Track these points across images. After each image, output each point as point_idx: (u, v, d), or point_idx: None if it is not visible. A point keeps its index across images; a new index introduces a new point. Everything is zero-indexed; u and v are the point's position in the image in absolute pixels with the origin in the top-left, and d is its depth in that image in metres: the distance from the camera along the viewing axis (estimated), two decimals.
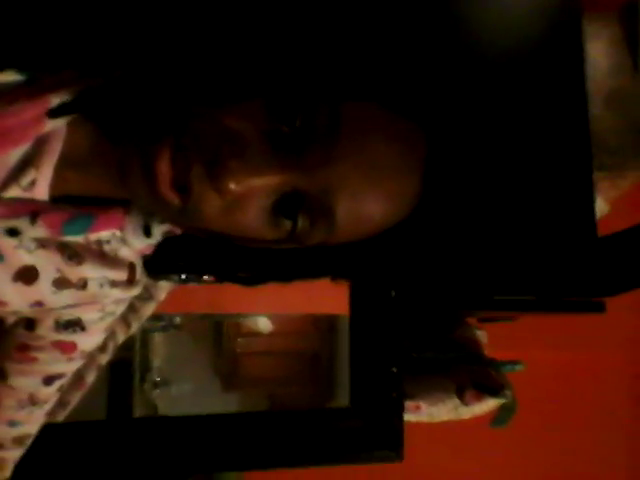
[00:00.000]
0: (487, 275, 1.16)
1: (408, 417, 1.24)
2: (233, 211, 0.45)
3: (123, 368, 1.88)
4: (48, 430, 0.88)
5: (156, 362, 2.05)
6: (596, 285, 1.06)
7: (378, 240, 0.52)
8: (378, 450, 1.06)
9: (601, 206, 1.20)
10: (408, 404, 1.25)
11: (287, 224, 0.46)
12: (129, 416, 1.84)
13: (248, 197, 0.45)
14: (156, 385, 2.01)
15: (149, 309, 0.78)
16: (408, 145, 0.47)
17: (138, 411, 1.90)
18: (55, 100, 0.49)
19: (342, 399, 1.60)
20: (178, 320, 1.95)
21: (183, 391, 2.03)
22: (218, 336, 2.06)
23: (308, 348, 2.01)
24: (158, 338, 2.05)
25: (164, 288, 0.77)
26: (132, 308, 0.75)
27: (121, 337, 0.76)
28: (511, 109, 1.17)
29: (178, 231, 0.56)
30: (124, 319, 0.76)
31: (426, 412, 1.29)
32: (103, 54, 0.52)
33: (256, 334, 2.02)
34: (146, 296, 0.76)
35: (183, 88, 0.46)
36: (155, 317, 1.86)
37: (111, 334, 0.73)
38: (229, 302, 1.21)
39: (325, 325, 1.99)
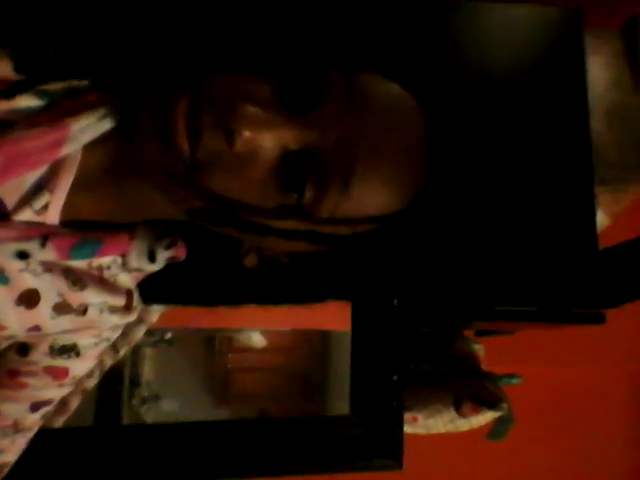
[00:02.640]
0: (488, 285, 1.17)
1: (405, 429, 1.23)
2: (241, 165, 0.45)
3: (112, 383, 1.85)
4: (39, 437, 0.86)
5: (146, 377, 2.03)
6: (596, 297, 1.07)
7: (378, 251, 0.52)
8: (378, 458, 1.05)
9: (602, 219, 1.22)
10: (405, 416, 1.24)
11: (293, 186, 0.45)
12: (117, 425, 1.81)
13: (257, 151, 0.44)
14: (145, 400, 1.98)
15: (139, 333, 0.78)
16: (416, 119, 0.48)
17: None
18: (75, 125, 0.49)
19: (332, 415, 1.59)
20: (169, 335, 1.92)
21: (172, 407, 2.00)
22: (210, 351, 2.04)
23: (300, 364, 2.00)
24: (149, 353, 2.03)
25: (156, 311, 0.76)
26: (122, 333, 0.74)
27: (109, 362, 0.76)
28: (511, 124, 1.19)
29: (182, 256, 0.55)
30: (113, 344, 0.74)
31: (423, 424, 1.29)
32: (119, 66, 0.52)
33: (248, 349, 2.00)
34: (137, 320, 0.76)
35: (198, 55, 0.48)
36: (146, 332, 1.84)
37: (99, 362, 0.73)
38: (221, 316, 1.20)
39: (318, 341, 1.98)
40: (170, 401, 2.03)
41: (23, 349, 0.57)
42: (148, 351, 2.07)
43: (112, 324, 0.57)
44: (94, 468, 1.03)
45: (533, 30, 1.30)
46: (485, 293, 1.18)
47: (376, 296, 1.12)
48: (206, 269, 0.57)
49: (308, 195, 0.45)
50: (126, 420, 1.87)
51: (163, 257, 0.55)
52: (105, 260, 0.55)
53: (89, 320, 0.55)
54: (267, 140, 0.44)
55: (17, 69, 0.49)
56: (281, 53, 0.48)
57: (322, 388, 1.96)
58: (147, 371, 2.10)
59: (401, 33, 0.99)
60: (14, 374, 0.57)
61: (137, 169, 0.49)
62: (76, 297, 0.54)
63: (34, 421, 0.60)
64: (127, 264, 0.55)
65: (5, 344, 0.57)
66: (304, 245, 0.51)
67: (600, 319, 1.16)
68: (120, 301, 0.56)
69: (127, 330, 0.74)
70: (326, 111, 0.44)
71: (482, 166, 1.21)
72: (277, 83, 0.46)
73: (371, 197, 0.47)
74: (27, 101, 0.49)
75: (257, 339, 1.96)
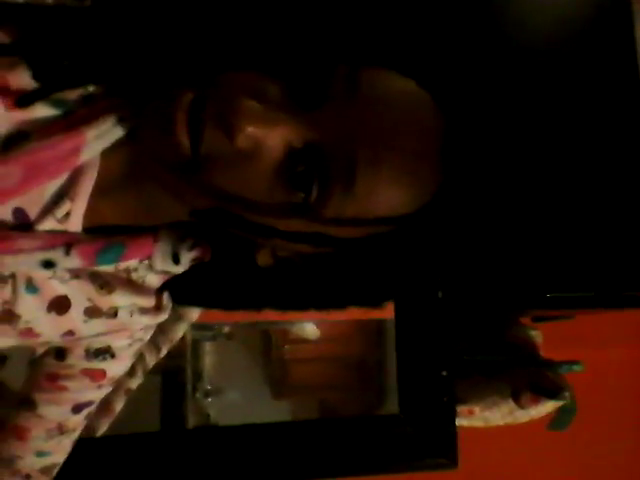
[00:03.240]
0: (539, 272, 1.11)
1: (461, 422, 1.20)
2: (243, 161, 0.44)
3: (175, 377, 1.90)
4: (102, 443, 0.88)
5: (207, 371, 2.07)
6: None
7: (419, 245, 0.49)
8: (430, 458, 1.03)
9: None
10: (461, 408, 1.21)
11: (300, 185, 0.44)
12: (182, 425, 1.87)
13: (260, 148, 0.43)
14: (208, 394, 2.03)
15: (180, 330, 0.79)
16: (427, 111, 0.45)
17: (191, 420, 1.92)
18: (90, 133, 0.49)
19: (393, 403, 1.58)
20: (227, 329, 1.96)
21: (234, 399, 2.04)
22: (267, 344, 2.06)
23: (356, 353, 1.99)
24: (208, 347, 2.07)
25: (196, 308, 0.77)
26: (161, 331, 0.75)
27: (151, 361, 0.78)
28: (558, 103, 1.13)
29: (207, 257, 0.55)
30: (154, 343, 0.77)
31: (480, 417, 1.25)
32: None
33: (304, 341, 2.01)
34: (175, 317, 0.76)
35: (207, 55, 0.47)
36: (204, 326, 1.88)
37: (140, 358, 0.75)
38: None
39: (372, 329, 1.96)
40: (233, 393, 2.07)
41: (60, 353, 0.59)
42: (208, 345, 2.11)
43: (143, 325, 0.58)
44: (157, 471, 1.05)
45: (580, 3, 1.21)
46: (536, 280, 1.13)
47: (419, 289, 1.09)
48: (227, 271, 0.56)
49: (314, 194, 0.44)
50: (191, 414, 1.92)
51: (187, 258, 0.55)
52: (132, 262, 0.55)
53: (120, 323, 0.56)
54: (270, 137, 0.43)
55: (35, 77, 0.49)
56: (288, 49, 0.47)
57: (379, 375, 1.95)
58: (208, 365, 2.14)
59: (446, 14, 0.94)
60: (53, 378, 0.59)
61: (148, 171, 0.49)
62: (105, 301, 0.55)
63: (77, 422, 0.62)
64: (153, 265, 0.55)
65: (42, 349, 0.59)
66: (312, 247, 0.49)
67: None
68: (150, 302, 0.57)
69: (166, 328, 0.76)
70: (329, 108, 0.43)
71: (530, 149, 1.15)
72: (284, 80, 0.45)
73: (378, 197, 0.45)
74: (43, 111, 0.50)
75: (311, 330, 1.96)
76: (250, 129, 0.42)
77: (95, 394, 0.61)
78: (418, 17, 0.80)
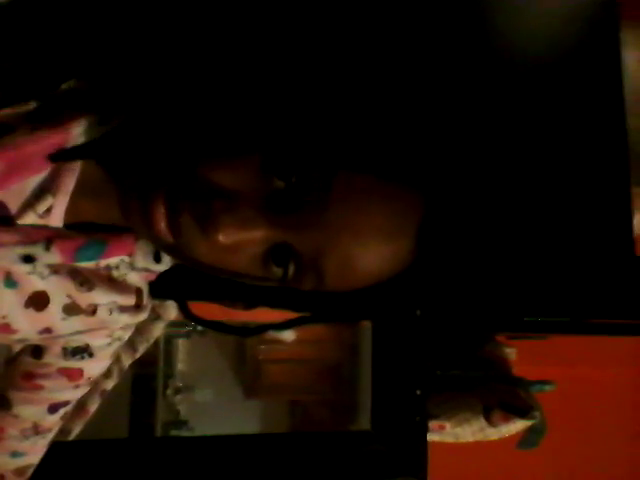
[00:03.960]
0: (517, 295, 1.11)
1: (432, 437, 1.20)
2: (223, 256, 0.46)
3: (146, 374, 1.89)
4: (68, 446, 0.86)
5: (179, 368, 2.06)
6: (634, 306, 1.01)
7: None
8: (400, 476, 1.03)
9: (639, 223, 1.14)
10: (432, 424, 1.21)
11: (278, 271, 0.47)
12: (151, 421, 1.86)
13: (238, 247, 0.45)
14: (179, 391, 2.02)
15: (157, 330, 0.77)
16: (401, 210, 0.47)
17: (161, 416, 1.91)
18: (75, 129, 0.49)
19: (365, 410, 1.58)
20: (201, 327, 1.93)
21: (206, 397, 2.03)
22: (241, 343, 2.06)
23: (330, 357, 2.00)
24: (182, 344, 2.05)
25: (173, 307, 0.76)
26: (138, 331, 0.74)
27: (127, 362, 0.76)
28: (545, 119, 1.13)
29: None
30: (131, 343, 0.75)
31: (451, 432, 1.25)
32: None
33: (279, 342, 2.01)
34: (153, 317, 0.75)
35: (183, 138, 0.47)
36: (178, 323, 1.86)
37: (116, 359, 0.73)
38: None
39: (348, 334, 1.97)
40: (203, 392, 2.06)
41: (37, 351, 0.58)
42: (181, 342, 2.09)
43: (123, 323, 0.58)
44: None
45: (569, 20, 1.21)
46: (513, 303, 1.13)
47: (397, 307, 1.08)
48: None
49: (291, 273, 0.47)
50: (161, 410, 1.91)
51: (169, 257, 0.55)
52: (113, 260, 0.55)
53: (99, 320, 0.56)
54: (246, 240, 0.45)
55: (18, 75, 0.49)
56: (271, 134, 0.47)
57: (352, 379, 1.96)
58: (181, 362, 2.13)
59: (438, 23, 0.93)
60: (30, 377, 0.59)
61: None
62: (84, 298, 0.54)
63: (53, 422, 0.61)
64: (134, 263, 0.55)
65: (18, 347, 0.59)
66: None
67: (638, 330, 1.09)
68: (130, 300, 0.57)
69: (144, 328, 0.75)
70: (304, 215, 0.45)
71: (512, 166, 1.15)
72: (263, 167, 0.45)
73: (350, 284, 0.48)
74: (28, 105, 0.49)
75: (287, 332, 1.96)
76: (225, 239, 0.44)
77: (72, 394, 0.60)
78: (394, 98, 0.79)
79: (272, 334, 2.01)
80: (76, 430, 0.79)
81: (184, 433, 1.96)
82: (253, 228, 0.44)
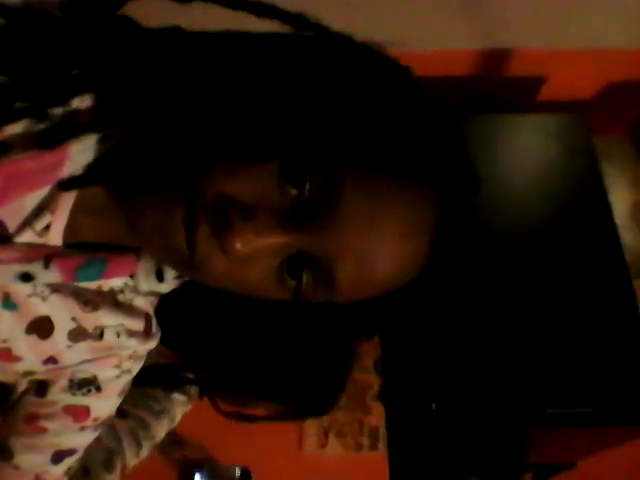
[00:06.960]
0: (538, 388, 1.14)
1: None
2: (239, 270, 0.45)
3: None
4: None
5: None
6: None
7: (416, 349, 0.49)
8: None
9: None
10: None
11: (292, 283, 0.46)
12: None
13: (254, 257, 0.44)
14: None
15: (162, 428, 0.72)
16: (415, 212, 0.46)
17: None
18: (74, 147, 0.48)
19: None
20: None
21: None
22: None
23: None
24: None
25: (179, 404, 0.73)
26: (143, 425, 0.70)
27: (132, 459, 0.70)
28: (538, 232, 1.21)
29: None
30: (134, 435, 0.70)
31: None
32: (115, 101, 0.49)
33: None
34: (158, 409, 0.71)
35: (198, 147, 0.46)
36: None
37: (120, 452, 0.68)
38: None
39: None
40: None
41: (41, 388, 0.56)
42: None
43: (131, 350, 0.56)
44: None
45: (544, 137, 1.30)
46: (535, 396, 1.15)
47: (413, 399, 1.09)
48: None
49: (305, 284, 0.46)
50: None
51: (171, 275, 0.54)
52: (116, 283, 0.54)
53: (107, 346, 0.54)
54: (263, 248, 0.44)
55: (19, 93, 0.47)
56: (287, 142, 0.45)
57: None
58: None
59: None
60: (33, 418, 0.56)
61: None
62: (90, 319, 0.53)
63: (57, 475, 0.58)
64: (138, 286, 0.54)
65: (24, 384, 0.56)
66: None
67: None
68: (138, 325, 0.55)
69: (150, 421, 0.70)
70: (318, 220, 0.44)
71: (520, 272, 1.20)
72: (279, 176, 0.45)
73: (363, 291, 0.47)
74: (26, 125, 0.47)
75: None
76: (243, 247, 0.43)
77: (77, 439, 0.57)
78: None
79: None
80: None
81: None
82: (271, 235, 0.43)
